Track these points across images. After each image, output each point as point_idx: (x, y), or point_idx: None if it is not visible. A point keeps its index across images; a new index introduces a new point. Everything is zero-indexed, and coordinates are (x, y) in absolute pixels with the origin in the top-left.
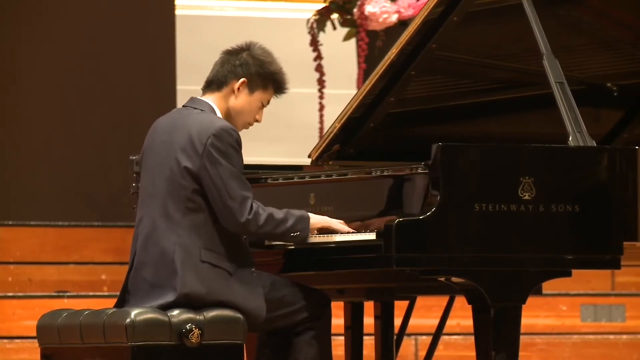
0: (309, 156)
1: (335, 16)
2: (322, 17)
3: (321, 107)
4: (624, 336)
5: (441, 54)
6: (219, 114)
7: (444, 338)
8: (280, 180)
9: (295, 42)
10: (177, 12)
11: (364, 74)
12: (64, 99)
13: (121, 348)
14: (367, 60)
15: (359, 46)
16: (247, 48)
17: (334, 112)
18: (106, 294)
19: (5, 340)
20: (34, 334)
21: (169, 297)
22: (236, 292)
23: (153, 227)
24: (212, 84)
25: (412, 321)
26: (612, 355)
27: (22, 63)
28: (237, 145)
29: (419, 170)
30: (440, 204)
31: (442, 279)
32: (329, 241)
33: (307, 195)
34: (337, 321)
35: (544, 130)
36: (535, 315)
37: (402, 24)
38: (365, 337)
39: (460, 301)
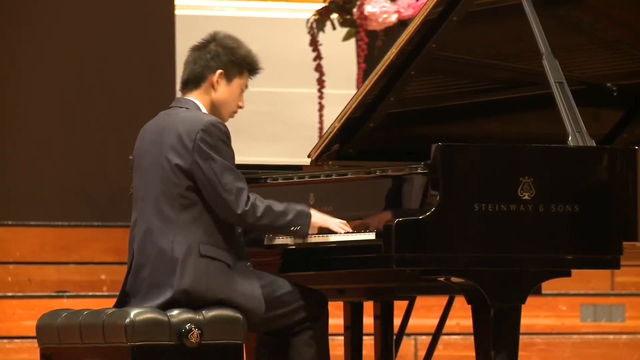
0: (309, 156)
1: (334, 16)
2: (322, 17)
3: (321, 107)
4: (624, 336)
5: (441, 54)
6: (204, 110)
7: (443, 338)
8: (280, 180)
9: (294, 42)
10: (177, 12)
11: (363, 74)
12: (64, 99)
13: (121, 348)
14: (367, 60)
15: (358, 46)
16: (213, 39)
17: (334, 112)
18: (106, 294)
19: (5, 340)
20: (34, 334)
21: (168, 294)
22: (236, 287)
23: (149, 228)
24: (190, 83)
25: (412, 321)
26: (612, 355)
27: (22, 63)
28: (227, 138)
29: (419, 170)
30: (440, 204)
31: (442, 279)
32: (329, 241)
33: (306, 195)
34: (337, 321)
35: (544, 130)
36: (535, 315)
37: (402, 24)
38: (364, 337)
39: (460, 301)
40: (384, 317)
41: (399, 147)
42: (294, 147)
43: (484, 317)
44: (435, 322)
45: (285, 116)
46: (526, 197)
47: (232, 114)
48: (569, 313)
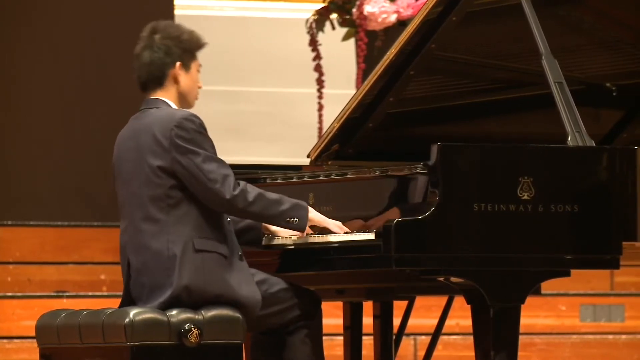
0: (308, 156)
1: (334, 16)
2: (321, 17)
3: (320, 107)
4: (623, 336)
5: (440, 54)
6: (173, 105)
7: (443, 338)
8: (279, 180)
9: (294, 42)
10: (177, 12)
11: (363, 74)
12: (64, 99)
13: (120, 348)
14: (366, 60)
15: (358, 46)
16: (155, 32)
17: (333, 112)
18: (105, 294)
19: (4, 340)
20: (34, 334)
21: (168, 292)
22: (233, 279)
23: (140, 233)
24: (150, 83)
25: (411, 321)
26: (612, 355)
27: (22, 63)
28: (202, 129)
29: (418, 170)
30: (440, 204)
31: (442, 279)
32: (328, 241)
33: (306, 195)
34: (337, 321)
35: (544, 130)
36: (534, 315)
37: (401, 24)
38: (364, 337)
39: (460, 301)
40: (383, 317)
41: (398, 147)
42: (293, 147)
43: (483, 317)
44: (434, 322)
45: (284, 116)
46: (526, 197)
47: (197, 96)
48: (569, 313)
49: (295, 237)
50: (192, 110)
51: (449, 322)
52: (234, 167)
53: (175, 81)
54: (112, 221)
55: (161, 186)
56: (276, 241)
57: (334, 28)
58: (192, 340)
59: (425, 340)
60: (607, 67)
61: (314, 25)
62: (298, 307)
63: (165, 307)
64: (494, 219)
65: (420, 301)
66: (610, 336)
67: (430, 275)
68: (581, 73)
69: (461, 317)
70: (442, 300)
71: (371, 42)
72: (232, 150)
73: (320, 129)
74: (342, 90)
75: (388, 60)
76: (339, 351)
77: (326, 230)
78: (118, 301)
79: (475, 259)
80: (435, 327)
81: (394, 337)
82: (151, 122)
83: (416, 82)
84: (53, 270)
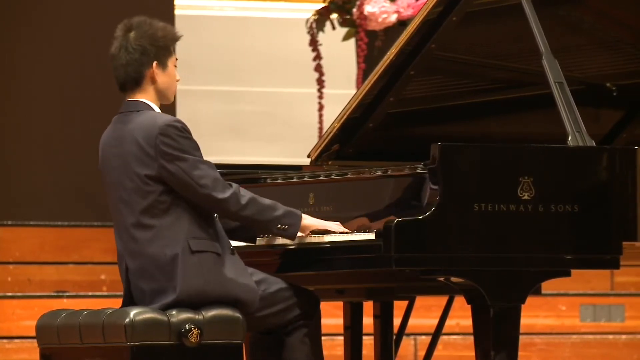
0: (308, 156)
1: (334, 16)
2: (322, 17)
3: (320, 107)
4: (623, 336)
5: (440, 54)
6: (153, 105)
7: (443, 338)
8: (280, 180)
9: (294, 42)
10: (177, 12)
11: (363, 74)
12: (64, 99)
13: (120, 348)
14: (367, 60)
15: (358, 46)
16: (129, 30)
17: (333, 112)
18: (105, 294)
19: (4, 340)
20: (34, 334)
21: (171, 297)
22: (229, 275)
23: (133, 240)
24: (128, 83)
25: (412, 321)
26: (612, 355)
27: (22, 63)
28: (186, 132)
29: (419, 170)
30: (440, 204)
31: (442, 279)
32: (328, 241)
33: (306, 195)
34: (337, 321)
35: (544, 130)
36: (534, 315)
37: (402, 24)
38: (364, 337)
39: (460, 301)
40: (383, 317)
41: (398, 147)
42: (293, 147)
43: (483, 317)
44: (434, 322)
45: (285, 116)
46: (526, 197)
47: (175, 91)
48: (569, 313)
49: None
50: (189, 109)
51: (449, 322)
52: (234, 167)
53: (153, 81)
54: (111, 221)
55: (152, 193)
56: (277, 241)
57: (334, 28)
58: (193, 340)
59: (426, 340)
60: (607, 67)
61: (314, 25)
62: (297, 307)
63: (167, 308)
64: (494, 219)
65: (420, 301)
66: (610, 336)
67: (430, 275)
68: (581, 73)
69: (461, 317)
70: (442, 300)
71: (371, 42)
72: (232, 150)
73: (320, 129)
74: (343, 90)
75: (388, 60)
76: (339, 351)
77: (325, 231)
78: (118, 301)
79: (475, 259)
80: (436, 327)
81: (394, 337)
82: (133, 128)
83: (416, 82)
84: (53, 270)
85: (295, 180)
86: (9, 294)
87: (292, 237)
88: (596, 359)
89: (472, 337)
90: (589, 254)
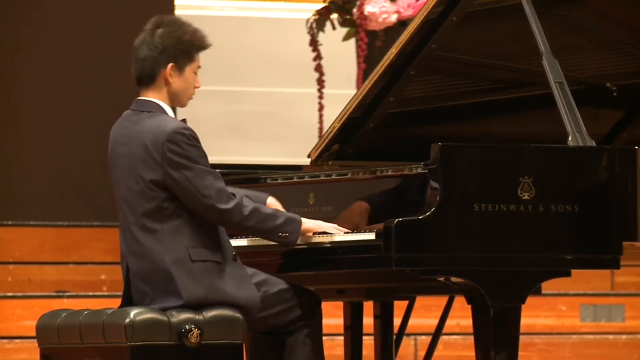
0: (309, 156)
1: (334, 16)
2: (322, 17)
3: (321, 107)
4: (624, 336)
5: (441, 54)
6: (166, 108)
7: (443, 338)
8: (280, 180)
9: (294, 42)
10: (177, 12)
11: (363, 74)
12: (64, 99)
13: (121, 348)
14: (367, 60)
15: (358, 46)
16: (157, 26)
17: (334, 112)
18: (106, 294)
19: (4, 340)
20: (34, 334)
21: (171, 304)
22: (230, 283)
23: (136, 240)
24: (143, 79)
25: (412, 321)
26: (612, 355)
27: (22, 63)
28: (194, 141)
29: (419, 170)
30: (440, 204)
31: (442, 279)
32: (329, 241)
33: (306, 195)
34: (337, 321)
35: (544, 130)
36: (534, 315)
37: (402, 24)
38: (364, 337)
39: (460, 301)
40: (383, 317)
41: (398, 147)
42: (293, 147)
43: (483, 317)
44: (435, 322)
45: (285, 116)
46: (526, 197)
47: (191, 96)
48: (569, 313)
49: None
50: (189, 109)
51: (449, 322)
52: (234, 167)
53: (167, 82)
54: (112, 221)
55: (155, 199)
56: None
57: (334, 28)
58: (193, 340)
59: (426, 340)
60: (607, 67)
61: (314, 25)
62: (298, 307)
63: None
64: (494, 219)
65: (420, 301)
66: (611, 336)
67: (431, 275)
68: (581, 73)
69: (461, 317)
70: (442, 300)
71: (371, 42)
72: (232, 150)
73: (320, 129)
74: (343, 90)
75: (388, 60)
76: (339, 351)
77: (323, 233)
78: (118, 301)
79: (475, 259)
80: (436, 327)
81: (394, 337)
82: (142, 131)
83: (416, 82)
84: (53, 270)
85: (295, 180)
86: (9, 294)
87: (293, 244)
88: (596, 359)
89: (472, 337)
90: (589, 254)
